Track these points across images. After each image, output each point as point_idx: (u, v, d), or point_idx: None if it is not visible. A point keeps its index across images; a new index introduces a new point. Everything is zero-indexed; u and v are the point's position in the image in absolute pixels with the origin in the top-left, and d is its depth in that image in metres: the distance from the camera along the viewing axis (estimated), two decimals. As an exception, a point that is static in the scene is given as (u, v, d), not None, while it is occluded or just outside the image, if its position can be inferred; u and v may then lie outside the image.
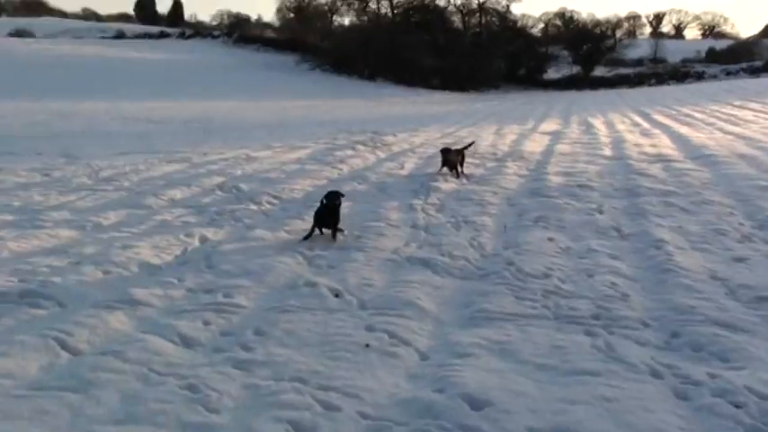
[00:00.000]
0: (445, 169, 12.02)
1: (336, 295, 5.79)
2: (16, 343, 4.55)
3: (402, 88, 52.91)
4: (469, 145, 12.74)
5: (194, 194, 10.06)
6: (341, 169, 12.74)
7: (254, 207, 9.25)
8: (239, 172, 12.05)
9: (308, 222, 8.41)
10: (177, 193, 9.99)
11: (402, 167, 13.05)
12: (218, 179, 11.19)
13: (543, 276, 6.34)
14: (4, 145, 14.80)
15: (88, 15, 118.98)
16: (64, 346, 4.57)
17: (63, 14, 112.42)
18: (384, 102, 40.11)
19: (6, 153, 13.61)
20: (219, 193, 10.21)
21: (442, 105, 39.06)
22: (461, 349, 4.74)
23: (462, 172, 12.03)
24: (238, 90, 41.15)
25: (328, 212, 7.54)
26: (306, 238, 7.54)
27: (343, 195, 7.84)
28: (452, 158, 11.99)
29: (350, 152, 14.96)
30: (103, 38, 77.71)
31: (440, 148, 12.75)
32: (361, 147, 15.97)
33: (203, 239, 7.56)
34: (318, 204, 7.69)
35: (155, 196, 9.71)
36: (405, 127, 21.73)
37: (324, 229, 7.66)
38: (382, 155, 14.94)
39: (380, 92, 47.95)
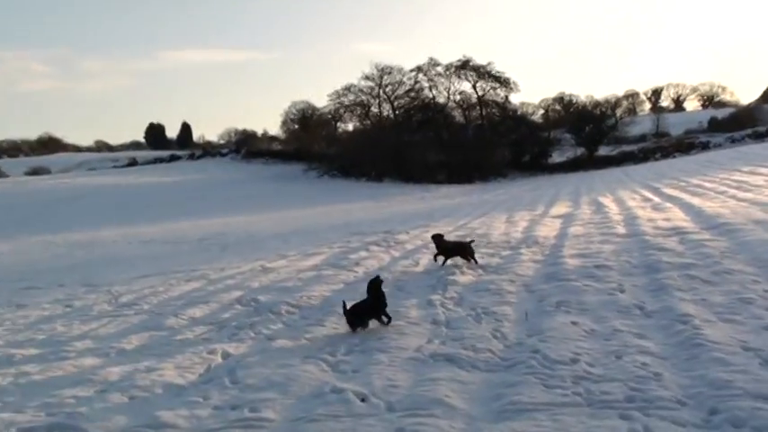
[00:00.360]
0: (440, 259, 12.28)
1: (363, 400, 5.73)
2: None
3: (410, 186, 53.57)
4: (470, 242, 12.80)
5: (213, 311, 10.09)
6: (356, 272, 12.75)
7: (273, 317, 9.25)
8: (256, 284, 12.09)
9: (329, 328, 8.45)
10: (197, 312, 10.02)
11: (417, 264, 13.05)
12: (237, 293, 11.23)
13: (571, 362, 6.26)
14: (28, 280, 15.02)
15: (101, 147, 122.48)
16: (93, 477, 4.52)
17: (77, 149, 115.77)
18: (393, 201, 40.56)
19: (31, 288, 13.82)
20: (238, 306, 10.22)
21: (450, 199, 39.42)
22: (495, 445, 4.65)
23: (474, 261, 12.14)
24: (250, 203, 41.77)
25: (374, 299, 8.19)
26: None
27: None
28: (445, 244, 12.28)
29: (364, 253, 15.02)
30: (116, 167, 79.78)
31: (431, 235, 13.08)
32: (374, 247, 16.04)
33: (226, 355, 7.55)
34: (346, 305, 8.17)
35: (175, 316, 9.74)
36: (416, 223, 21.85)
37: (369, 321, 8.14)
38: (396, 253, 14.98)
39: (389, 191, 48.56)
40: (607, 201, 23.92)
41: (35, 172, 76.26)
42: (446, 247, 12.27)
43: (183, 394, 6.24)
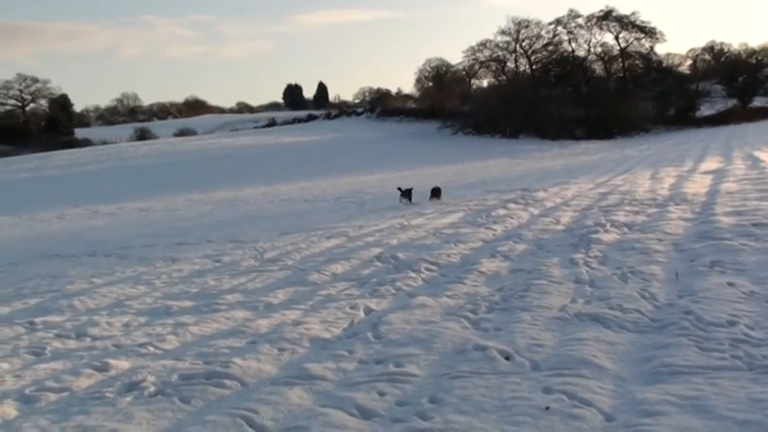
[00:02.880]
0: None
1: (507, 358, 5.69)
2: (209, 423, 4.79)
3: (546, 142, 52.35)
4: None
5: (354, 267, 10.30)
6: (494, 230, 12.69)
7: (413, 274, 9.35)
8: (395, 241, 12.25)
9: (469, 286, 8.46)
10: (338, 268, 10.27)
11: (558, 222, 12.85)
12: (376, 250, 11.43)
13: (728, 324, 5.94)
14: (180, 236, 15.88)
15: (242, 108, 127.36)
16: (251, 423, 4.74)
17: (221, 110, 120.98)
18: (530, 157, 39.85)
19: (182, 243, 14.59)
20: (378, 263, 10.40)
21: (589, 155, 38.26)
22: (650, 407, 4.49)
23: None
24: (385, 161, 42.25)
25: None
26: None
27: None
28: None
29: (502, 211, 14.90)
30: (257, 127, 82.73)
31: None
32: (512, 205, 15.89)
33: (368, 310, 7.70)
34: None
35: (318, 272, 10.02)
36: (554, 181, 21.42)
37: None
38: (535, 211, 14.79)
39: (525, 148, 47.70)
40: (764, 155, 22.40)
41: (182, 133, 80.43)
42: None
43: (328, 347, 6.42)
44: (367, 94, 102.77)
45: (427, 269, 9.68)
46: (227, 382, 5.60)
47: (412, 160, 42.27)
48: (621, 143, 49.44)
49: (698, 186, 16.08)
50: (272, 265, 11.10)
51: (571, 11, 66.06)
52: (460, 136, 60.46)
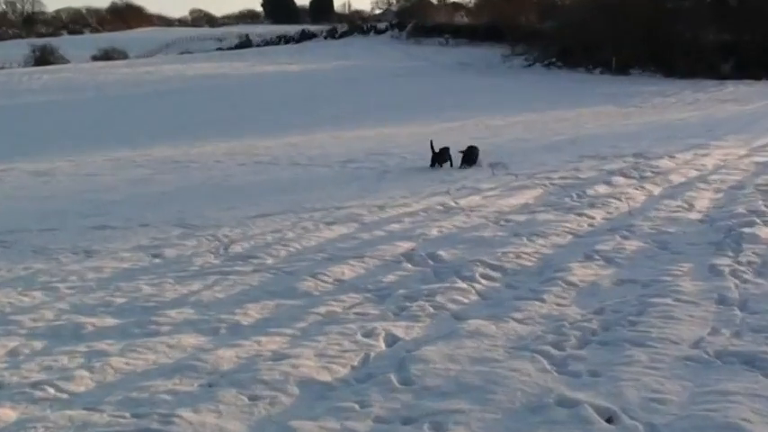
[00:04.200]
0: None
1: (609, 420, 5.68)
2: None
3: (673, 82, 51.92)
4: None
5: (370, 270, 10.27)
6: (592, 217, 12.66)
7: (462, 285, 9.31)
8: (435, 232, 12.21)
9: (550, 304, 8.42)
10: (345, 270, 10.23)
11: (690, 208, 12.86)
12: (405, 245, 11.39)
13: None
14: (99, 215, 15.86)
15: (199, 20, 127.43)
16: None
17: (166, 22, 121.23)
18: (647, 105, 39.52)
19: (103, 227, 14.56)
20: (408, 265, 10.36)
21: (741, 104, 37.86)
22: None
23: None
24: (420, 106, 42.14)
25: None
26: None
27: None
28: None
29: (603, 189, 14.87)
30: (222, 49, 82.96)
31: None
32: (619, 179, 15.86)
33: (391, 340, 7.65)
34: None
35: (313, 277, 9.98)
36: (685, 143, 21.27)
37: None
38: (655, 189, 14.77)
39: (640, 90, 47.31)
40: None
41: (106, 56, 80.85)
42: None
43: (328, 396, 6.38)
44: (394, 1, 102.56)
45: (485, 277, 9.64)
46: (170, 447, 5.58)
47: (462, 105, 42.13)
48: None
49: None
50: (241, 263, 11.08)
51: None
52: (539, 69, 60.22)
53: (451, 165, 19.48)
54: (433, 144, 20.03)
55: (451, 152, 19.99)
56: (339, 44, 76.32)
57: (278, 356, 7.24)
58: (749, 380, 6.17)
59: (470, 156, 19.85)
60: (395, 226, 12.93)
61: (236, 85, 54.07)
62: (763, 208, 12.14)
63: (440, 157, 19.56)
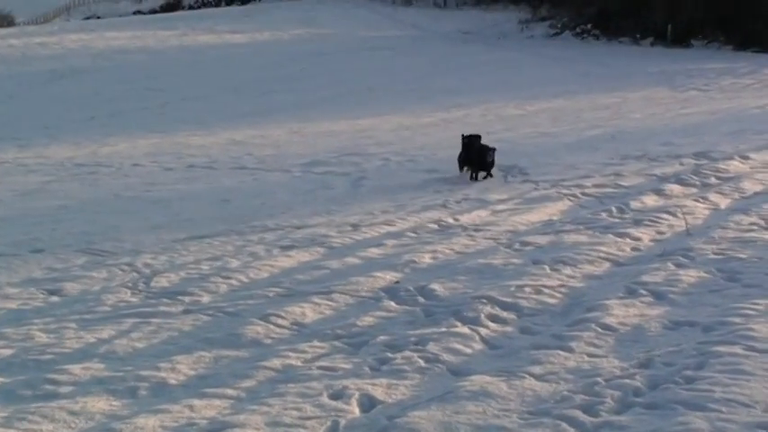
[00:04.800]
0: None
1: None
2: None
3: (747, 57, 51.86)
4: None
5: (341, 311, 10.31)
6: (638, 238, 12.71)
7: (463, 329, 9.33)
8: (427, 258, 12.26)
9: (578, 353, 8.44)
10: (307, 311, 10.26)
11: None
12: (387, 276, 11.43)
13: None
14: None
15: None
16: None
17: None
18: (713, 88, 39.47)
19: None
20: (391, 304, 10.39)
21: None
22: None
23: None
24: (410, 89, 42.05)
25: None
26: None
27: None
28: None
29: (651, 200, 14.98)
30: (141, 13, 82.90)
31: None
32: (674, 187, 15.96)
33: (368, 403, 7.67)
34: None
35: (264, 320, 10.00)
36: (764, 138, 21.25)
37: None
38: (722, 202, 14.85)
39: (703, 68, 47.24)
40: None
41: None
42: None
43: (284, 483, 6.42)
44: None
45: (493, 318, 9.67)
46: None
47: (465, 89, 42.05)
48: None
49: None
50: (168, 302, 11.09)
51: None
52: (569, 40, 60.26)
53: (488, 172, 18.97)
54: (470, 140, 19.31)
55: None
56: (301, 6, 76.19)
57: (217, 426, 7.26)
58: (843, 454, 6.21)
59: (482, 157, 19.09)
60: (373, 251, 12.96)
61: (162, 61, 53.84)
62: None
63: (473, 157, 18.95)
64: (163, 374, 8.57)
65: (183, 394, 8.08)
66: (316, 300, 10.61)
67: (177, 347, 9.35)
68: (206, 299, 11.08)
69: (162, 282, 12.06)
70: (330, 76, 47.83)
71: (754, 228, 12.75)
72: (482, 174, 18.71)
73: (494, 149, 18.81)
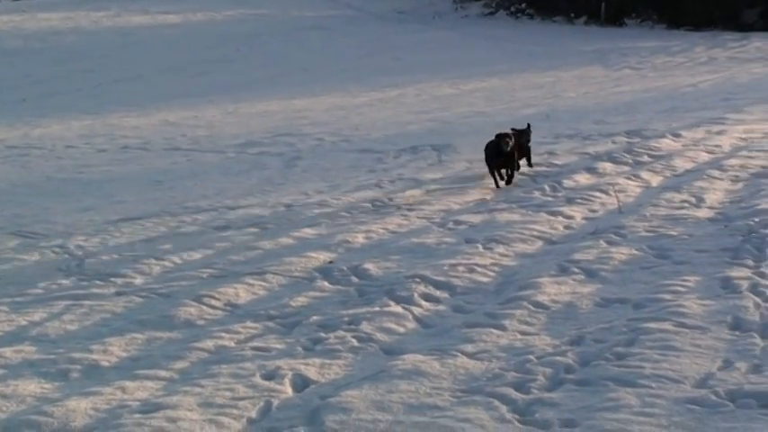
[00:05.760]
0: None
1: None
2: None
3: (680, 35, 52.06)
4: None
5: (274, 291, 10.33)
6: (570, 216, 12.86)
7: (397, 309, 9.40)
8: (361, 238, 12.32)
9: (512, 331, 8.49)
10: (240, 292, 10.28)
11: (699, 202, 13.06)
12: (321, 256, 11.48)
13: None
14: None
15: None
16: None
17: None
18: (646, 66, 39.61)
19: None
20: (325, 284, 10.46)
21: (770, 62, 38.23)
22: None
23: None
24: (345, 69, 41.95)
25: None
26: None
27: None
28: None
29: (584, 178, 15.15)
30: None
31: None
32: (606, 165, 16.13)
33: (301, 383, 7.71)
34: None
35: (197, 301, 10.01)
36: (695, 117, 21.44)
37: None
38: (653, 179, 15.04)
39: (636, 47, 47.41)
40: None
41: None
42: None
43: (217, 464, 6.41)
44: None
45: (427, 297, 9.75)
46: None
47: (400, 68, 41.99)
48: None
49: None
50: (100, 284, 11.06)
51: None
52: (503, 19, 60.22)
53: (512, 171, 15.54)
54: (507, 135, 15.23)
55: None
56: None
57: (149, 407, 7.24)
58: (773, 431, 6.30)
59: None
60: (307, 231, 12.99)
61: (94, 42, 53.31)
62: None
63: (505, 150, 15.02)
64: (95, 356, 8.56)
65: (116, 376, 8.07)
66: (249, 280, 10.62)
67: (110, 329, 9.34)
68: (139, 280, 11.06)
69: (94, 264, 12.02)
70: (264, 57, 47.64)
71: (685, 205, 12.87)
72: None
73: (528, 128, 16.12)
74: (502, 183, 15.08)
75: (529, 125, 16.06)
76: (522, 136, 15.62)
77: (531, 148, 16.42)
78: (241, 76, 41.89)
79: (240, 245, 12.45)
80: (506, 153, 14.75)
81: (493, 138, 14.93)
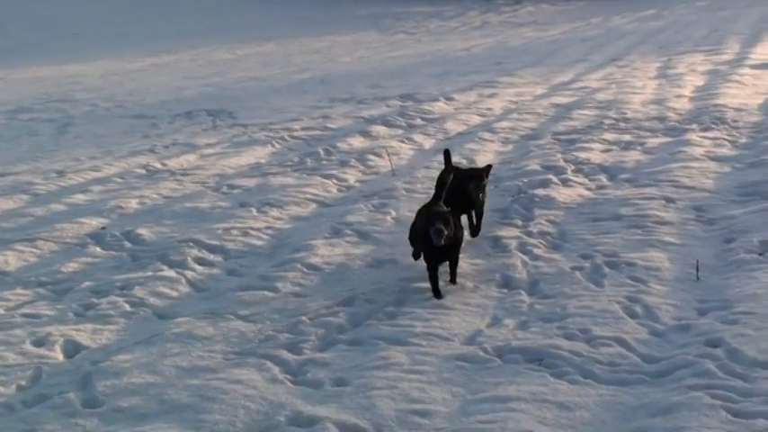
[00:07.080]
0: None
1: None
2: None
3: (455, 1, 52.70)
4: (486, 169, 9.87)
5: (45, 258, 10.19)
6: (344, 179, 12.92)
7: (170, 273, 9.36)
8: (134, 204, 12.20)
9: (285, 294, 8.53)
10: (10, 258, 10.11)
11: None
12: (93, 222, 11.35)
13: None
14: None
15: None
16: None
17: None
18: (420, 31, 39.89)
19: None
20: (97, 249, 10.35)
21: (541, 29, 38.66)
22: None
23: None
24: (117, 34, 41.42)
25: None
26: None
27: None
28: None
29: (359, 142, 15.24)
30: None
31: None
32: (380, 129, 16.26)
33: (72, 349, 7.64)
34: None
35: (-42, 267, 9.84)
36: (468, 81, 21.72)
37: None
38: (426, 142, 15.20)
39: (410, 11, 47.79)
40: None
41: None
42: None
43: (-13, 431, 6.32)
44: None
45: (200, 261, 9.74)
46: None
47: (175, 32, 41.62)
48: (607, 4, 50.59)
49: (748, 94, 16.79)
50: None
51: None
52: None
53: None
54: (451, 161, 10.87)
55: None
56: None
57: None
58: (536, 382, 6.44)
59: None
60: (79, 197, 12.80)
61: None
62: (562, 163, 12.58)
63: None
64: None
65: None
66: (19, 247, 10.45)
67: None
68: None
69: None
70: (34, 21, 46.80)
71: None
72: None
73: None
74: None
75: (489, 166, 10.36)
76: (471, 182, 9.88)
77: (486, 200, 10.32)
78: (10, 40, 41.06)
79: (9, 211, 12.20)
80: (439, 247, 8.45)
81: (422, 210, 9.26)
